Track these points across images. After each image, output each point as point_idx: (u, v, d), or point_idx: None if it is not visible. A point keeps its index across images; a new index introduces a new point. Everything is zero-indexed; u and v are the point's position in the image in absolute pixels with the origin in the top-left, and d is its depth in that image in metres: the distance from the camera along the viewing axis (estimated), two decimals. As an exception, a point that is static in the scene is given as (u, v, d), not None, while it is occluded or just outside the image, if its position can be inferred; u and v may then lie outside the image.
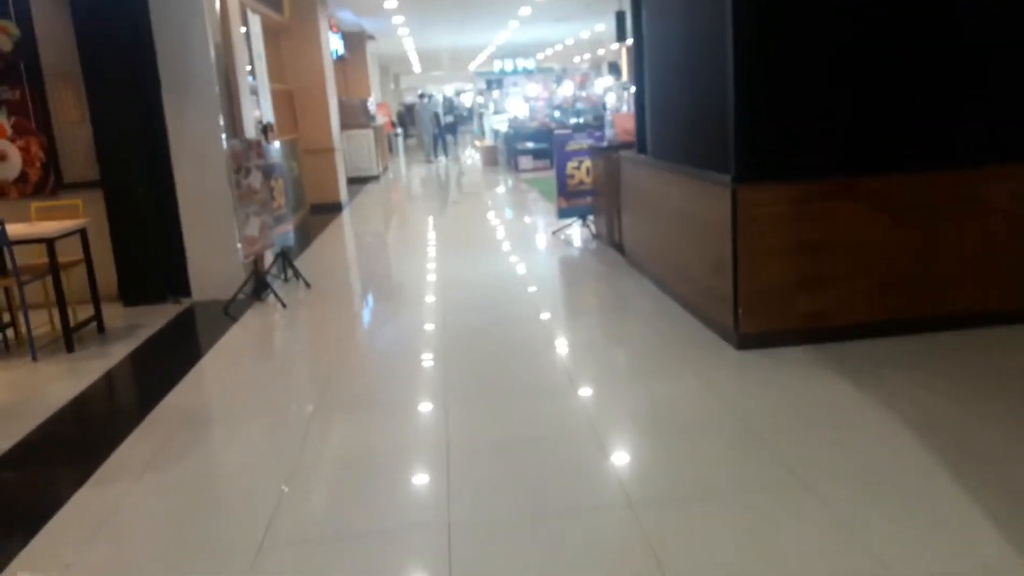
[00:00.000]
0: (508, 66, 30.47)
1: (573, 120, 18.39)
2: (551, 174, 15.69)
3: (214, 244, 6.48)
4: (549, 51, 30.09)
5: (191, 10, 6.19)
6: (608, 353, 4.77)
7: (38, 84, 6.31)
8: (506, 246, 8.38)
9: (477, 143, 23.48)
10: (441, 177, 17.15)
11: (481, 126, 24.50)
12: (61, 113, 6.41)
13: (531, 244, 8.51)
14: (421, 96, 22.23)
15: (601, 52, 32.36)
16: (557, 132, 8.22)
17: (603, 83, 20.91)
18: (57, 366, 5.09)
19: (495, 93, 30.30)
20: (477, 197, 13.44)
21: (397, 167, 20.17)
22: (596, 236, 8.13)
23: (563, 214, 8.43)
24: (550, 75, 29.67)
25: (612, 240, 7.51)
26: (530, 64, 30.76)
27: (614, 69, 26.89)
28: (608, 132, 7.61)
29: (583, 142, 8.23)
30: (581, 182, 8.34)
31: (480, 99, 32.12)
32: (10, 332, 5.67)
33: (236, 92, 6.87)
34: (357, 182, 15.10)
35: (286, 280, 7.02)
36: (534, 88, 24.37)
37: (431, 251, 8.38)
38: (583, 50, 31.27)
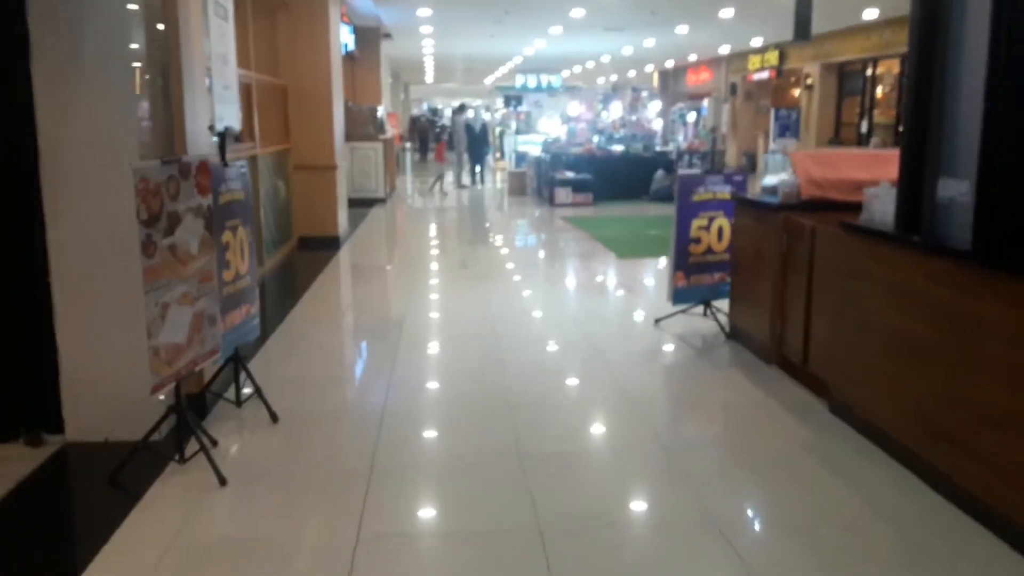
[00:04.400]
0: (531, 82, 27.83)
1: (619, 147, 15.66)
2: (597, 212, 12.83)
3: (108, 346, 3.58)
4: (578, 68, 27.41)
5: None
6: None
7: None
8: (589, 335, 5.41)
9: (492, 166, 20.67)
10: (464, 205, 14.29)
11: (501, 148, 21.71)
12: None
13: (627, 338, 5.57)
14: (460, 109, 18.98)
15: (632, 74, 29.72)
16: (683, 174, 5.42)
17: (656, 107, 18.23)
18: None
19: (506, 110, 27.61)
20: (515, 241, 10.60)
21: (404, 187, 17.35)
22: (732, 335, 5.27)
23: (680, 297, 5.53)
24: (588, 93, 26.67)
25: (777, 352, 4.67)
26: (556, 81, 28.12)
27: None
28: (779, 180, 4.75)
29: (720, 190, 5.40)
30: (710, 250, 5.50)
31: (493, 116, 29.28)
32: None
33: (178, 79, 4.00)
34: (359, 205, 12.24)
35: (239, 404, 4.08)
36: (575, 107, 21.50)
37: (473, 337, 5.43)
38: (611, 70, 28.62)
